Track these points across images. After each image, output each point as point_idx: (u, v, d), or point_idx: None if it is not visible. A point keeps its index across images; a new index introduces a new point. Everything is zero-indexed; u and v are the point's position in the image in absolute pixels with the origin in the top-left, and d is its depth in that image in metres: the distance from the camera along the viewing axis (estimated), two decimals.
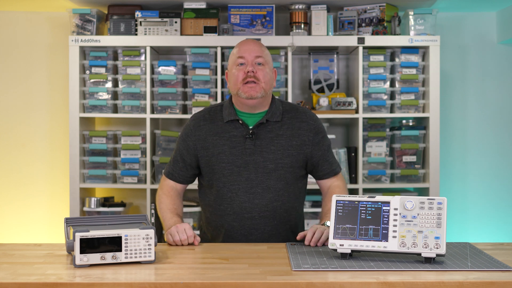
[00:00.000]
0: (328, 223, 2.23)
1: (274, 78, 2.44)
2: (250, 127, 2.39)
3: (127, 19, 3.66)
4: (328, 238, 2.09)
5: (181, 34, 3.65)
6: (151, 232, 1.91)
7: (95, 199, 3.66)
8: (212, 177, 2.40)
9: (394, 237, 1.87)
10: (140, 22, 3.64)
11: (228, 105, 2.44)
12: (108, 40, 3.62)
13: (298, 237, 2.21)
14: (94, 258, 1.85)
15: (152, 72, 3.70)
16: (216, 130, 2.41)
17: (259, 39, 3.56)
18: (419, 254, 1.86)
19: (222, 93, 3.68)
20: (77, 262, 1.84)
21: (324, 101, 3.72)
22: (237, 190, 2.37)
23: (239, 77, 2.35)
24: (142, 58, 3.68)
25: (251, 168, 2.36)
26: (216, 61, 3.67)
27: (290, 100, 3.63)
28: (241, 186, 2.36)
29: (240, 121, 2.39)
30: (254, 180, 2.36)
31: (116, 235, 1.88)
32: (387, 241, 1.88)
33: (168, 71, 3.70)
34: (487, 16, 4.00)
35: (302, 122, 2.42)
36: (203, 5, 3.65)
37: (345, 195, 1.96)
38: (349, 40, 3.62)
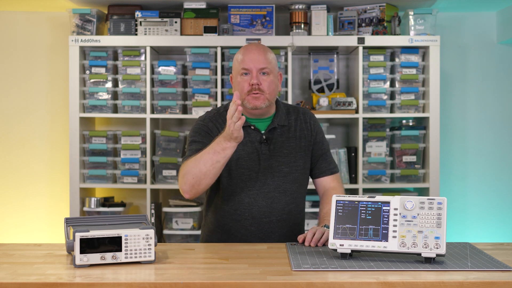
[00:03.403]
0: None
1: (279, 82, 2.42)
2: (262, 131, 2.39)
3: (127, 19, 3.66)
4: (328, 239, 2.10)
5: (181, 34, 3.65)
6: (151, 232, 1.91)
7: (95, 199, 3.66)
8: (229, 182, 2.37)
9: (394, 237, 1.87)
10: (140, 22, 3.64)
11: None
12: (108, 40, 3.62)
13: (299, 240, 2.21)
14: (94, 258, 1.85)
15: (152, 72, 3.70)
16: None
17: (259, 39, 3.56)
18: (419, 254, 1.86)
19: (222, 93, 3.68)
20: (77, 262, 1.84)
21: (324, 101, 3.72)
22: (255, 195, 2.36)
23: (244, 88, 2.33)
24: (142, 58, 3.68)
25: (267, 173, 2.36)
26: (216, 61, 3.67)
27: (290, 100, 3.63)
28: (260, 191, 2.36)
29: (252, 127, 2.38)
30: (271, 184, 2.36)
31: (116, 235, 1.87)
32: (387, 241, 1.88)
33: (168, 71, 3.70)
34: (487, 16, 4.00)
35: (305, 123, 2.45)
36: (203, 5, 3.65)
37: (345, 195, 1.96)
38: (349, 40, 3.62)
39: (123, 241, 1.87)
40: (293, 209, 2.41)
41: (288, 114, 2.45)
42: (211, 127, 2.38)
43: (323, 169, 2.47)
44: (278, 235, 2.38)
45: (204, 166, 2.18)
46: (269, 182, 2.36)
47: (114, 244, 1.87)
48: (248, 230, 2.38)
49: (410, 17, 3.67)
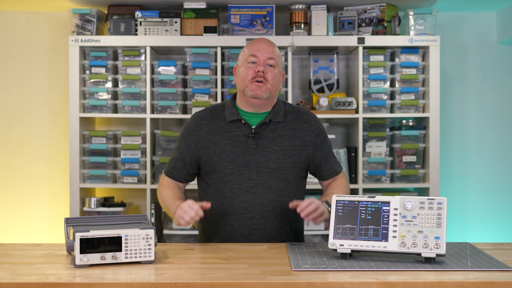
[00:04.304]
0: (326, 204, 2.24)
1: (281, 81, 2.44)
2: (253, 127, 2.38)
3: (127, 19, 3.66)
4: (320, 215, 2.16)
5: (181, 34, 3.65)
6: (151, 232, 1.91)
7: (95, 199, 3.66)
8: (213, 176, 2.39)
9: (394, 237, 1.87)
10: (140, 22, 3.64)
11: (230, 104, 2.43)
12: (108, 40, 3.62)
13: (290, 205, 2.23)
14: (94, 258, 1.85)
15: (152, 72, 3.70)
16: (218, 130, 2.40)
17: None
18: (419, 254, 1.86)
19: (222, 93, 3.68)
20: (77, 262, 1.84)
21: (324, 101, 3.72)
22: (238, 189, 2.36)
23: (248, 75, 2.35)
24: (142, 58, 3.68)
25: (252, 168, 2.35)
26: (216, 61, 3.67)
27: (290, 100, 3.63)
28: (242, 185, 2.35)
29: (243, 121, 2.38)
30: (255, 179, 2.35)
31: (116, 235, 1.88)
32: (387, 241, 1.88)
33: (168, 71, 3.70)
34: (487, 16, 4.00)
35: (304, 123, 2.43)
36: (203, 5, 3.65)
37: (345, 195, 1.96)
38: (349, 40, 3.62)
39: (123, 241, 1.88)
40: (279, 208, 2.38)
41: (286, 112, 2.44)
42: (194, 126, 2.43)
43: (329, 171, 2.48)
44: (261, 232, 2.36)
45: (164, 208, 2.49)
46: (253, 177, 2.35)
47: (114, 244, 1.87)
48: (231, 225, 2.37)
49: (410, 17, 3.67)
